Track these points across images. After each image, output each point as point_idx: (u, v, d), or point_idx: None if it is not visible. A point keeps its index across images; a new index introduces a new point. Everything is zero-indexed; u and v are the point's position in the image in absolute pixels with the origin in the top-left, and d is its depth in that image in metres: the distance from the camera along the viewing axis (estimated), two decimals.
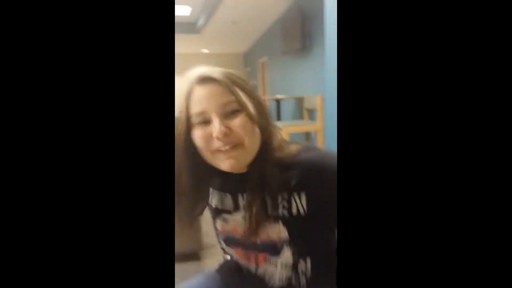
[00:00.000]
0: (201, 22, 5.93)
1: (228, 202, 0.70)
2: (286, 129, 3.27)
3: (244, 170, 0.64)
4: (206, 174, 0.67)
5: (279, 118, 4.70)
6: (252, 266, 0.72)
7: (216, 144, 0.59)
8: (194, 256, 1.87)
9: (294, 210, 0.62)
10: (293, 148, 0.64)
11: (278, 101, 4.70)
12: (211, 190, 0.73)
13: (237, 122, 0.59)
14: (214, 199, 0.73)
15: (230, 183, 0.69)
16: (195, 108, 0.59)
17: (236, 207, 0.69)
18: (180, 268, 1.76)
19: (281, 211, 0.63)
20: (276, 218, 0.64)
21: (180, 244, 1.75)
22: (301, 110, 4.35)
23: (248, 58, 8.65)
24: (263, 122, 0.62)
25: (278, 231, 0.64)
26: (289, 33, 4.65)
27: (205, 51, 8.66)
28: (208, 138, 0.59)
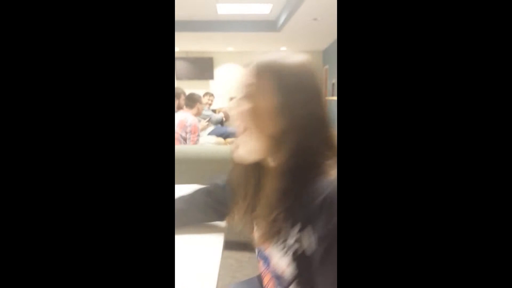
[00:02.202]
0: (282, 20, 5.94)
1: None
2: None
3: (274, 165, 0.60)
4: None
5: None
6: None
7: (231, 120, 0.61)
8: (247, 246, 1.94)
9: (305, 245, 0.55)
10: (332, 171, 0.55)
11: None
12: None
13: (245, 107, 0.59)
14: None
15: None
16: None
17: None
18: (234, 256, 1.85)
19: (293, 243, 0.56)
20: (286, 249, 0.57)
21: (234, 235, 1.85)
22: None
23: (328, 55, 8.45)
24: (305, 123, 0.57)
25: (287, 264, 0.58)
26: None
27: (283, 49, 8.68)
28: (227, 112, 0.64)
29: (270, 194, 0.58)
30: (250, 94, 0.59)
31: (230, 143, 2.91)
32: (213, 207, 0.85)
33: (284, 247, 0.57)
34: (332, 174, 0.54)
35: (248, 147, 0.60)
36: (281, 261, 0.59)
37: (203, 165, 2.05)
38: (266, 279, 0.69)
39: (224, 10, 5.83)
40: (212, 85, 8.79)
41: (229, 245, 1.90)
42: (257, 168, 0.65)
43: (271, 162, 0.61)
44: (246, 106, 0.59)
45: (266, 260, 0.66)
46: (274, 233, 0.57)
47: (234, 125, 0.61)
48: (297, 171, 0.56)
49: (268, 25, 6.60)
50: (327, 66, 8.52)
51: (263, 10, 5.90)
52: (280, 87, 0.57)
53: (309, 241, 0.54)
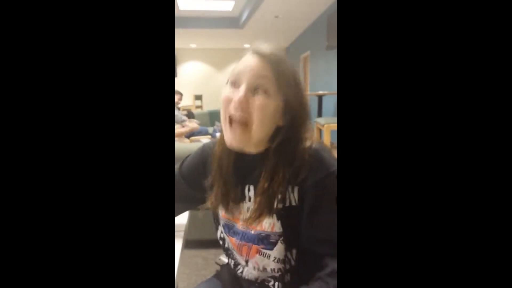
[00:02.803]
0: (244, 17, 5.94)
1: (237, 191, 0.70)
2: (328, 126, 3.19)
3: (261, 150, 0.65)
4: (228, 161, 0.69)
5: (320, 114, 4.60)
6: (242, 260, 0.72)
7: (232, 109, 0.60)
8: (212, 243, 1.92)
9: (287, 203, 0.63)
10: (311, 144, 0.64)
11: (320, 97, 4.61)
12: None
13: (257, 100, 0.59)
14: None
15: (242, 173, 0.69)
16: (235, 70, 0.62)
17: (243, 198, 0.69)
18: (201, 254, 1.84)
19: (276, 203, 0.63)
20: (271, 211, 0.64)
21: (198, 233, 1.84)
22: None
23: (290, 53, 8.57)
24: (299, 114, 0.64)
25: (271, 224, 0.64)
26: (335, 28, 4.53)
27: (246, 46, 8.68)
28: (229, 100, 0.61)
29: (263, 178, 0.63)
30: (261, 86, 0.60)
31: (195, 141, 2.89)
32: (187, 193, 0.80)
33: (269, 212, 0.63)
34: (307, 142, 0.63)
35: (245, 137, 0.61)
36: (266, 223, 0.65)
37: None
38: (244, 251, 0.70)
39: (186, 5, 5.75)
40: (175, 83, 8.62)
41: (194, 244, 1.90)
42: (234, 156, 0.68)
43: (255, 149, 0.65)
44: (258, 99, 0.60)
45: (242, 233, 0.69)
46: (267, 208, 0.63)
47: (235, 114, 0.60)
48: (283, 154, 0.63)
49: (231, 22, 6.59)
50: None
51: (225, 6, 5.88)
52: (287, 84, 0.62)
53: (293, 199, 0.62)
